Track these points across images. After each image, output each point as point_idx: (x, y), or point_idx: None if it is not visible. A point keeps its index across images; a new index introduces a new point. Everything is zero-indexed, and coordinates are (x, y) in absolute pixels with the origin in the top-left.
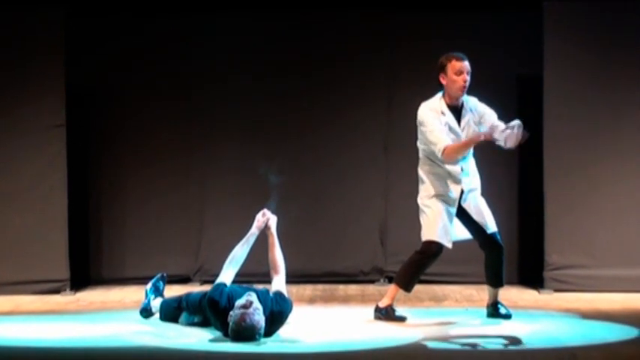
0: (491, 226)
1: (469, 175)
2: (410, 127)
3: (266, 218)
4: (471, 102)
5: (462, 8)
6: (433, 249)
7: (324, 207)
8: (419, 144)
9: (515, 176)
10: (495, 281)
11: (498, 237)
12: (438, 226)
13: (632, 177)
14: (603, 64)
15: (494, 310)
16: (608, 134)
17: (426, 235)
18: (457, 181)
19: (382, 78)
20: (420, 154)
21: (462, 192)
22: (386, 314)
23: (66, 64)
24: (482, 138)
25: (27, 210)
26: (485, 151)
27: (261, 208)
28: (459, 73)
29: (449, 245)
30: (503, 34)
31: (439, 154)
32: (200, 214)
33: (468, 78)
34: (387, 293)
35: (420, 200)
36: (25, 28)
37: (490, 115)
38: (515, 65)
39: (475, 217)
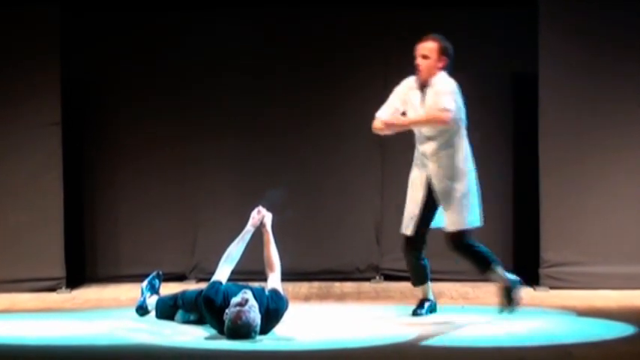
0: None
1: (435, 164)
2: None
3: (261, 215)
4: (438, 84)
5: (458, 5)
6: (402, 242)
7: (319, 204)
8: None
9: (511, 174)
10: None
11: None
12: (404, 215)
13: (628, 174)
14: (599, 62)
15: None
16: (604, 132)
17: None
18: (423, 166)
19: (379, 74)
20: None
21: (430, 181)
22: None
23: (62, 61)
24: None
25: (23, 208)
26: (481, 149)
27: (257, 206)
28: (416, 57)
29: (407, 233)
30: (499, 32)
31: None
32: (195, 212)
33: (420, 61)
34: None
35: None
36: (20, 25)
37: (435, 98)
38: (511, 63)
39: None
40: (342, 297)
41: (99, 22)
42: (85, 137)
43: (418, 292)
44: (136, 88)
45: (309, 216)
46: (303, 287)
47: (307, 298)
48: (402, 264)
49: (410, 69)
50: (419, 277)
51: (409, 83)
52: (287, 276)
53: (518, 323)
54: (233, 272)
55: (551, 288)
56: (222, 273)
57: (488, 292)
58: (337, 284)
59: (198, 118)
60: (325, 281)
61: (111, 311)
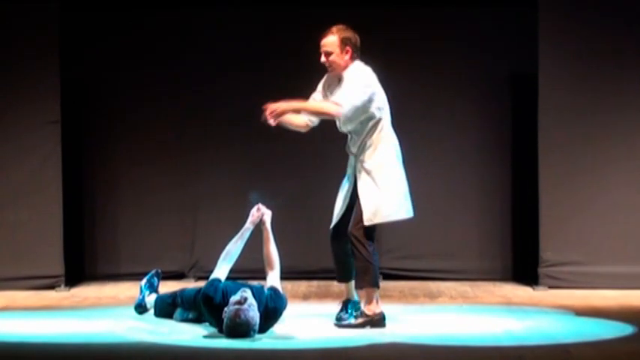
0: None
1: (355, 156)
2: (405, 122)
3: (260, 213)
4: (346, 77)
5: (457, 4)
6: (329, 235)
7: (318, 202)
8: None
9: (510, 173)
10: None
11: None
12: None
13: (627, 174)
14: (598, 62)
15: (342, 309)
16: (603, 132)
17: None
18: (351, 165)
19: (378, 75)
20: None
21: (355, 172)
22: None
23: (61, 60)
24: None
25: (22, 206)
26: (480, 148)
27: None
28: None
29: (331, 225)
30: (498, 31)
31: None
32: (195, 209)
33: (325, 59)
34: None
35: None
36: (20, 24)
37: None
38: (510, 62)
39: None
40: (341, 296)
41: (99, 21)
42: (84, 135)
43: (342, 288)
44: (136, 87)
45: (309, 214)
46: (302, 286)
47: (306, 296)
48: (401, 263)
49: (405, 68)
50: (345, 273)
51: (328, 80)
52: (286, 274)
53: (517, 322)
54: (232, 270)
55: (550, 287)
56: (221, 271)
57: (487, 291)
58: (336, 283)
59: (198, 117)
60: (324, 280)
61: (110, 309)
